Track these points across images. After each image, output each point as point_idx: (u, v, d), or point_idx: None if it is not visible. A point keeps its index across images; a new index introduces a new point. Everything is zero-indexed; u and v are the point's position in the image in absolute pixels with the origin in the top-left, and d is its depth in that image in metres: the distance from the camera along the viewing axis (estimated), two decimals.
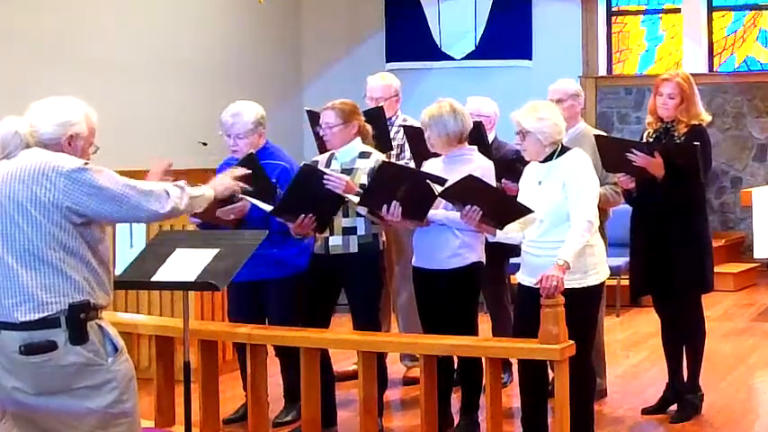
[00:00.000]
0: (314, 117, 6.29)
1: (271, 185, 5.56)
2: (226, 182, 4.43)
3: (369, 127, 5.82)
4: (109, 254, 3.69)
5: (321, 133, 5.79)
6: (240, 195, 5.51)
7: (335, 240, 5.69)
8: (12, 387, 3.52)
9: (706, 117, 5.97)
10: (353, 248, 5.68)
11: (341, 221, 5.65)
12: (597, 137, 5.94)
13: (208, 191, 4.02)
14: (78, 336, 3.51)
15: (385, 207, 5.40)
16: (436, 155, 5.68)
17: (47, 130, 3.62)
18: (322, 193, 5.46)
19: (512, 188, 5.65)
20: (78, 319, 3.50)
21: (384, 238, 5.90)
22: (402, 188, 5.37)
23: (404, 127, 6.43)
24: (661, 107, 5.93)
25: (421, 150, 5.87)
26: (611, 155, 5.83)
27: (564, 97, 6.18)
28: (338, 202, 5.55)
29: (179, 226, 6.89)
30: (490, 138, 6.38)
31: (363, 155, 5.75)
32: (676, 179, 5.71)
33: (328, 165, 5.79)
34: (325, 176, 5.50)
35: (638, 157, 5.69)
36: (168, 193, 3.67)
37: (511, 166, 5.77)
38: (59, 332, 3.49)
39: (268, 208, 5.47)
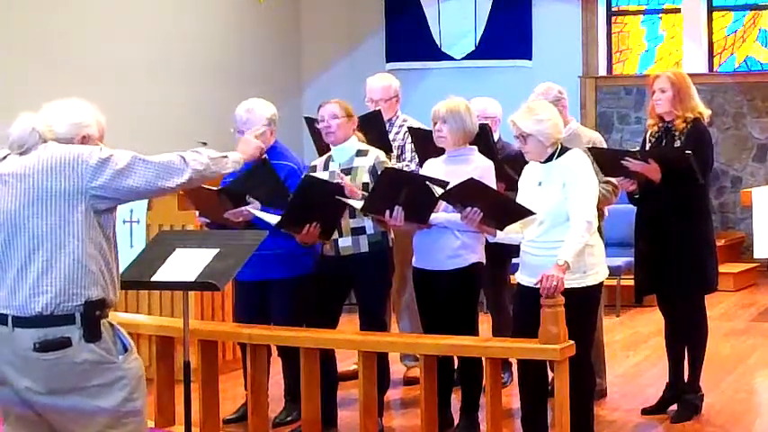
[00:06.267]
0: (313, 123, 6.28)
1: (283, 190, 5.55)
2: (251, 144, 4.40)
3: (359, 134, 5.85)
4: (118, 249, 3.72)
5: (323, 126, 5.76)
6: (246, 208, 5.54)
7: (345, 242, 5.69)
8: (24, 387, 3.52)
9: (704, 111, 5.96)
10: (364, 248, 5.69)
11: (349, 222, 5.66)
12: (590, 149, 5.93)
13: (234, 154, 4.01)
14: (92, 333, 3.52)
15: (387, 212, 5.41)
16: (439, 153, 5.68)
17: (61, 130, 3.66)
18: (325, 202, 5.47)
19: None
20: (93, 317, 3.53)
21: (392, 236, 5.91)
22: (404, 192, 5.38)
23: (410, 129, 6.43)
24: (656, 103, 5.93)
25: (427, 151, 5.87)
26: (606, 163, 5.85)
27: (550, 99, 6.17)
28: (341, 209, 5.56)
29: (179, 226, 6.91)
30: (495, 138, 6.38)
31: (361, 153, 5.76)
32: (675, 181, 5.72)
33: (326, 167, 5.80)
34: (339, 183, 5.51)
35: (632, 164, 5.71)
36: (185, 159, 3.71)
37: (502, 172, 5.77)
38: (74, 329, 3.50)
39: (273, 220, 5.46)
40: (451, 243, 5.54)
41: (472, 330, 5.59)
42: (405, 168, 6.44)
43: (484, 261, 5.65)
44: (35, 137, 3.60)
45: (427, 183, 5.39)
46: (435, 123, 5.60)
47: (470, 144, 5.64)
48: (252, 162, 5.67)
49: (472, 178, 5.18)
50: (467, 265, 5.56)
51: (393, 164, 6.52)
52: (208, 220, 5.87)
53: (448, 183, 5.26)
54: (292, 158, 5.94)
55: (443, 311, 5.58)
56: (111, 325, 3.62)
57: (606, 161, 5.87)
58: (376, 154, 5.76)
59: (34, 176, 3.54)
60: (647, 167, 5.71)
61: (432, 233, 5.55)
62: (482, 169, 5.48)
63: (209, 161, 3.80)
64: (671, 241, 5.84)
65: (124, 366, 3.59)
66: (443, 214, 5.50)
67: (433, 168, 5.65)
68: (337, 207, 5.54)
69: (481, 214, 5.18)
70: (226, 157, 3.93)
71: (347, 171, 5.69)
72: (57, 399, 3.52)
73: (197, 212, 6.00)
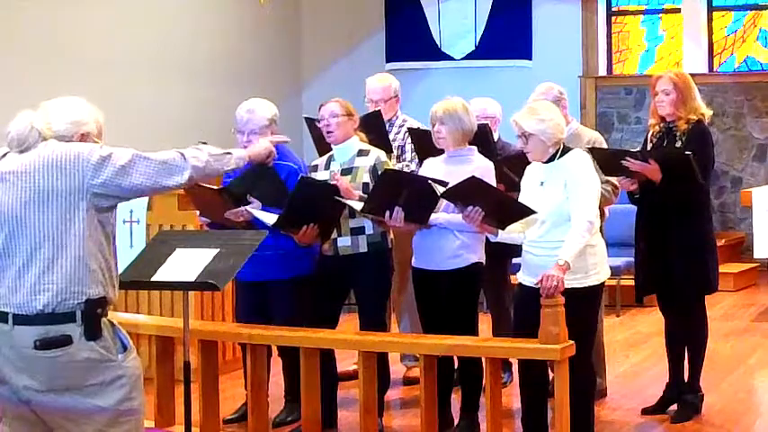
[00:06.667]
0: (313, 123, 6.28)
1: (284, 190, 5.55)
2: (261, 145, 4.48)
3: (361, 134, 5.85)
4: (116, 248, 3.72)
5: (323, 125, 5.77)
6: (245, 208, 5.54)
7: (344, 241, 5.69)
8: (23, 386, 3.51)
9: (707, 112, 5.97)
10: (363, 248, 5.68)
11: (348, 222, 5.66)
12: (591, 149, 5.93)
13: (238, 150, 4.03)
14: (93, 331, 3.52)
15: (387, 212, 5.41)
16: (439, 153, 5.68)
17: (59, 127, 3.65)
18: (322, 203, 5.47)
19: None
20: (94, 314, 3.53)
21: (392, 236, 5.91)
22: (404, 193, 5.38)
23: (410, 130, 6.43)
24: (659, 105, 5.94)
25: (427, 151, 5.87)
26: (607, 163, 5.85)
27: (550, 100, 6.16)
28: (339, 210, 5.56)
29: (179, 226, 6.90)
30: (494, 138, 6.38)
31: (362, 153, 5.76)
32: (675, 181, 5.72)
33: (327, 166, 5.80)
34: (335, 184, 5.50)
35: (633, 164, 5.71)
36: (185, 157, 3.71)
37: (502, 173, 5.77)
38: (74, 327, 3.50)
39: (271, 221, 5.46)
40: (451, 243, 5.54)
41: (472, 330, 5.59)
42: (405, 168, 6.44)
43: (484, 261, 5.65)
44: (35, 135, 3.60)
45: (429, 182, 5.39)
46: (434, 125, 5.60)
47: (470, 144, 5.64)
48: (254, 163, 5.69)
49: (474, 177, 5.18)
50: (467, 265, 5.56)
51: (393, 164, 6.53)
52: (208, 220, 5.87)
53: (447, 183, 5.26)
54: (293, 158, 5.94)
55: (443, 311, 5.58)
56: (111, 323, 3.62)
57: (607, 161, 5.87)
58: (377, 154, 5.76)
59: (35, 174, 3.53)
60: (648, 167, 5.71)
61: (432, 233, 5.55)
62: (482, 169, 5.48)
63: (209, 158, 3.79)
64: (671, 241, 5.84)
65: (123, 365, 3.59)
66: (443, 215, 5.50)
67: (432, 168, 5.65)
68: (335, 208, 5.53)
69: (483, 213, 5.18)
70: (229, 153, 3.94)
71: (348, 171, 5.69)
72: (55, 397, 3.52)
73: (197, 212, 5.99)
